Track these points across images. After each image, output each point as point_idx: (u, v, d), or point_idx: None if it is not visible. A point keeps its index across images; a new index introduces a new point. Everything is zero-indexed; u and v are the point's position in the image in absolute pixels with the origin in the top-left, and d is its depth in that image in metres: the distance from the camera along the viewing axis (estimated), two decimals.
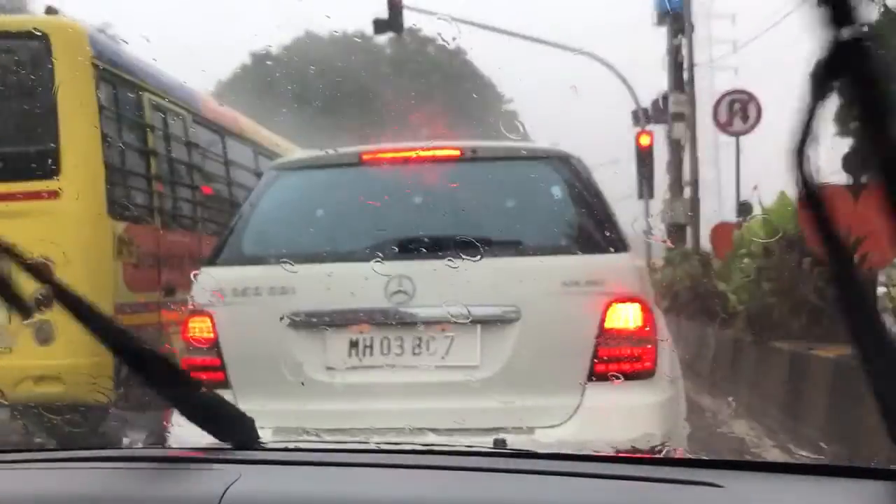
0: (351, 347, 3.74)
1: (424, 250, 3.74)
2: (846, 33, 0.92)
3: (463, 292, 3.69)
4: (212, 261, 4.08)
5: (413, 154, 4.05)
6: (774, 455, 6.41)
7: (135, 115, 7.25)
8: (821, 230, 1.02)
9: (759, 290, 8.17)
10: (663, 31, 19.23)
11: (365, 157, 4.18)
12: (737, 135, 15.86)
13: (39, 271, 1.39)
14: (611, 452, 1.64)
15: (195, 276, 4.07)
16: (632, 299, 3.67)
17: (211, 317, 3.85)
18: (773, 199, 8.76)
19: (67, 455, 1.70)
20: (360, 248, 3.83)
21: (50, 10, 6.76)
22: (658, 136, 18.99)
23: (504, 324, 3.65)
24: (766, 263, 7.97)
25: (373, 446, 1.93)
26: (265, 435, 1.75)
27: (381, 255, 3.66)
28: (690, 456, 1.49)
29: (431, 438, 2.54)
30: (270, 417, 2.60)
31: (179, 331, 4.18)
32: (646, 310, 3.67)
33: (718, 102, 16.08)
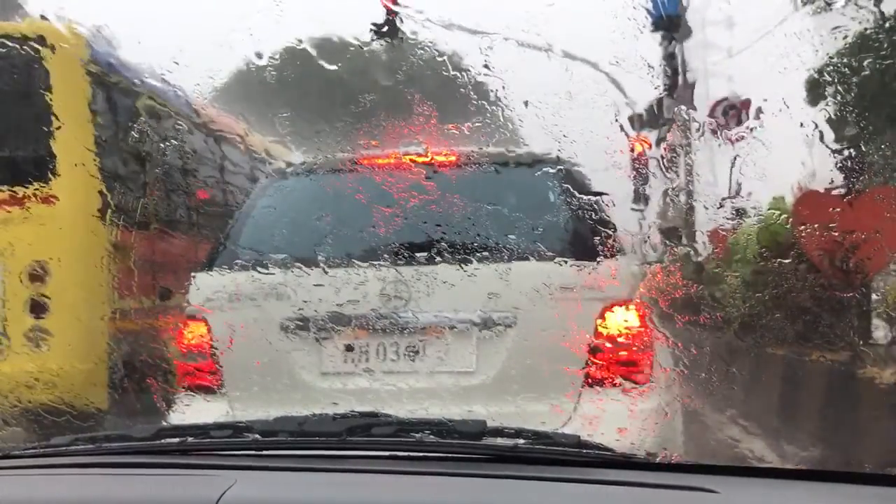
0: (346, 353, 3.73)
1: (420, 255, 3.74)
2: None
3: (459, 297, 3.69)
4: (207, 266, 4.08)
5: (408, 159, 4.05)
6: (769, 461, 6.41)
7: (130, 120, 7.24)
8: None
9: (753, 296, 8.17)
10: (658, 37, 19.24)
11: (360, 162, 4.18)
12: (731, 141, 15.86)
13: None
14: (607, 458, 1.65)
15: (190, 281, 4.07)
16: (627, 305, 3.67)
17: (206, 322, 3.84)
18: (768, 204, 8.76)
19: (64, 461, 1.70)
20: (355, 254, 3.83)
21: (45, 16, 6.76)
22: (653, 142, 18.99)
23: (500, 329, 3.65)
24: (761, 269, 7.98)
25: (368, 452, 1.93)
26: (260, 441, 1.74)
27: (376, 260, 3.66)
28: (686, 462, 1.49)
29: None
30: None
31: (175, 336, 4.17)
32: (641, 315, 3.67)
33: (713, 108, 16.09)
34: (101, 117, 6.69)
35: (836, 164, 7.59)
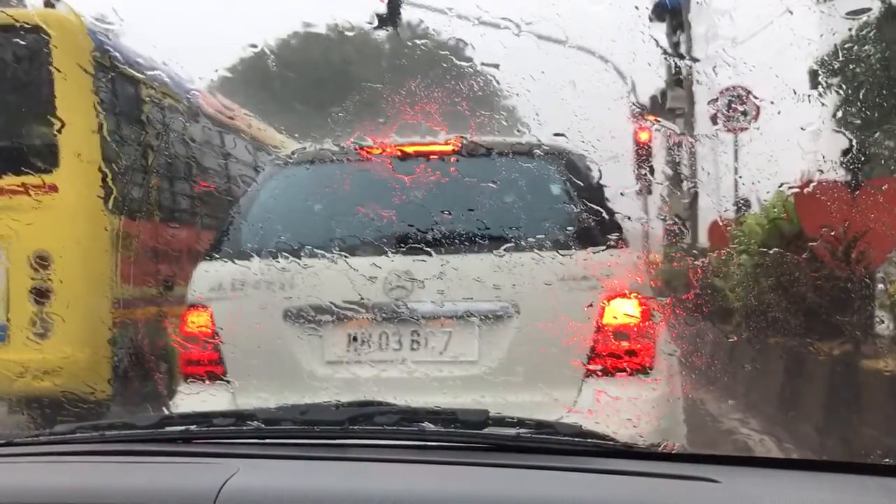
0: (349, 342, 3.74)
1: (423, 245, 3.74)
2: None
3: (461, 287, 3.69)
4: (210, 255, 4.08)
5: (412, 149, 4.05)
6: (771, 451, 6.42)
7: (133, 109, 7.24)
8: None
9: (756, 287, 8.17)
10: (662, 27, 19.19)
11: (363, 151, 4.18)
12: (735, 131, 15.84)
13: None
14: (609, 448, 1.65)
15: (194, 270, 4.07)
16: (630, 295, 3.67)
17: (209, 311, 3.85)
18: (771, 195, 8.75)
19: (68, 448, 1.70)
20: (358, 243, 3.83)
21: (49, 4, 6.75)
22: (656, 133, 18.95)
23: (502, 319, 3.66)
24: (764, 260, 7.97)
25: (370, 441, 1.93)
26: (263, 429, 1.75)
27: (379, 249, 3.66)
28: (687, 451, 1.49)
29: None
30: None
31: (178, 325, 4.18)
32: (643, 305, 3.68)
33: (716, 99, 16.04)
34: (104, 106, 6.68)
35: (840, 154, 7.58)
